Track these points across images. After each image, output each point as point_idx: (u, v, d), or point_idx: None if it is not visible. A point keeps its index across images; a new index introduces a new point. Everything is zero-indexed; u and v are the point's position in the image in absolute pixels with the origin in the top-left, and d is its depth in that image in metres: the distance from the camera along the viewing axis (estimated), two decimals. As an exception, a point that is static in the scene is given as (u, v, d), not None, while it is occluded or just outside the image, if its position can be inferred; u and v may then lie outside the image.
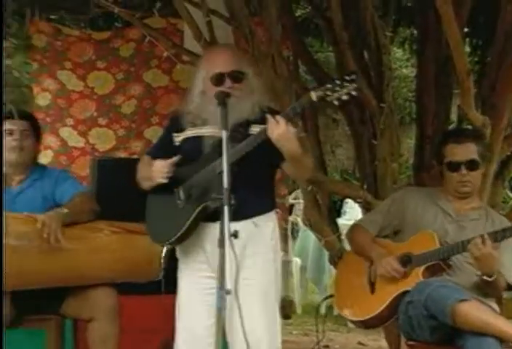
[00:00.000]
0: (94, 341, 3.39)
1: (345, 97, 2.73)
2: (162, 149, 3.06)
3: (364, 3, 3.88)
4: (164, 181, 2.90)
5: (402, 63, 7.80)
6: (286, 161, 2.88)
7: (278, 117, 2.77)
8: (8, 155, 3.53)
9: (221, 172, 2.70)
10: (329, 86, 2.73)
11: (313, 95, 2.74)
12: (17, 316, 3.40)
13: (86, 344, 3.44)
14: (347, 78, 2.73)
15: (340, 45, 3.91)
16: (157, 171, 2.92)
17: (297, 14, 4.87)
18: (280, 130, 2.75)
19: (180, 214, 2.92)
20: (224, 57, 2.95)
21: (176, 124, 3.03)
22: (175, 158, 2.92)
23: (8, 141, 3.53)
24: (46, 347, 3.51)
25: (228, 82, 2.91)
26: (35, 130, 3.64)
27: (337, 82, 2.72)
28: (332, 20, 3.92)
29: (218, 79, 2.91)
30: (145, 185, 3.01)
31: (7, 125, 3.54)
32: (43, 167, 3.70)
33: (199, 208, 2.86)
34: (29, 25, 4.83)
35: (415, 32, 4.94)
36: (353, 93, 2.74)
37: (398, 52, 7.19)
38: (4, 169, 3.54)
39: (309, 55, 4.46)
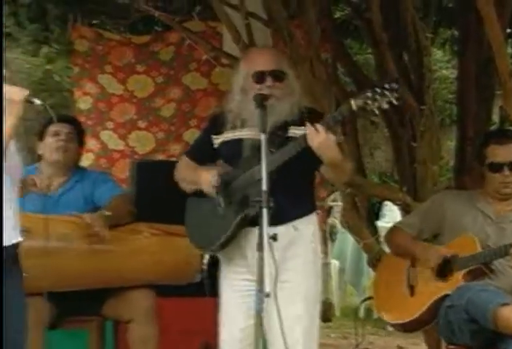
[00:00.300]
0: (134, 342, 3.42)
1: (385, 106, 2.70)
2: (201, 150, 3.08)
3: (405, 5, 3.85)
4: (214, 192, 2.91)
5: (443, 64, 7.73)
6: (325, 166, 2.87)
7: (317, 125, 2.74)
8: (52, 156, 3.58)
9: (260, 179, 2.69)
10: (369, 94, 2.69)
11: (353, 104, 2.72)
12: (58, 317, 3.46)
13: (126, 345, 3.47)
14: (388, 86, 2.69)
15: (380, 46, 3.89)
16: (206, 181, 2.91)
17: (336, 16, 4.86)
18: (320, 138, 2.73)
19: (220, 221, 2.92)
20: (266, 56, 2.97)
21: (216, 125, 3.03)
22: (222, 169, 2.92)
23: (53, 142, 3.58)
24: (87, 347, 3.56)
25: (269, 80, 2.91)
26: (79, 134, 3.69)
27: (378, 90, 2.69)
28: (371, 22, 3.90)
29: (259, 77, 2.92)
30: (187, 187, 3.03)
31: (53, 127, 3.58)
32: (83, 169, 3.75)
33: (239, 217, 2.87)
34: (71, 30, 4.89)
35: (456, 33, 4.90)
36: (395, 102, 2.70)
37: (438, 53, 7.13)
38: (47, 170, 3.59)
39: (348, 57, 4.45)
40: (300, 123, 2.87)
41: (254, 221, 2.74)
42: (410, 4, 3.85)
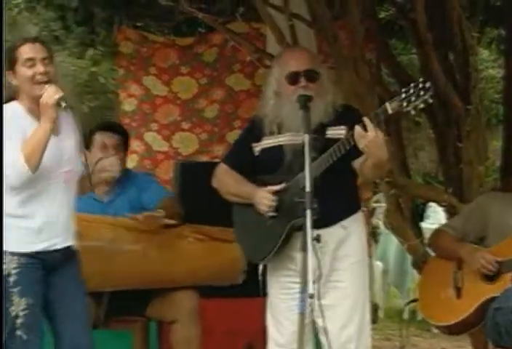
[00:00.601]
0: (178, 343, 3.44)
1: (421, 106, 2.68)
2: (240, 158, 3.04)
3: (451, 4, 3.81)
4: (273, 214, 2.90)
5: (489, 64, 7.63)
6: (370, 165, 2.84)
7: (366, 122, 2.70)
8: (103, 173, 3.52)
9: (304, 188, 2.68)
10: (404, 96, 2.68)
11: (389, 107, 2.70)
12: (104, 317, 3.48)
13: (170, 345, 3.49)
14: (421, 86, 2.68)
15: (425, 46, 3.86)
16: (263, 203, 2.89)
17: (380, 17, 4.82)
18: (370, 137, 2.70)
19: (269, 231, 2.93)
20: (299, 57, 2.96)
21: (254, 131, 3.01)
22: (278, 187, 2.88)
23: (101, 156, 3.52)
24: (132, 348, 3.59)
25: (302, 81, 2.90)
26: (125, 142, 3.66)
27: (412, 91, 2.67)
28: (416, 21, 3.87)
29: (293, 78, 2.90)
30: (231, 198, 3.02)
31: (100, 136, 3.56)
32: (127, 172, 3.72)
33: (287, 228, 2.87)
34: (116, 32, 4.94)
35: (503, 32, 4.83)
36: (430, 101, 2.68)
37: (484, 53, 7.04)
38: (93, 179, 3.60)
39: (392, 58, 4.42)
40: (336, 122, 2.86)
41: (302, 225, 2.72)
42: (456, 3, 3.81)
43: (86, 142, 3.56)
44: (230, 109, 5.12)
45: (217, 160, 4.95)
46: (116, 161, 3.51)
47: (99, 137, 3.57)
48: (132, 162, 4.97)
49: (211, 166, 4.43)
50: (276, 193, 2.90)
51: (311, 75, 2.91)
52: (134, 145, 5.05)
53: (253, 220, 2.97)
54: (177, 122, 5.11)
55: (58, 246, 2.92)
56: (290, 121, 2.89)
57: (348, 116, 2.83)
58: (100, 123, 3.72)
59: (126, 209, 3.51)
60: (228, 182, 3.03)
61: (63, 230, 2.93)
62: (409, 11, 4.19)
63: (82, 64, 7.70)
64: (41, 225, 2.89)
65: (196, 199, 3.89)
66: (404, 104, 2.68)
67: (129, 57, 5.01)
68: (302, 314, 2.68)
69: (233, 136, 5.04)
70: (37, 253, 2.89)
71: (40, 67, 2.87)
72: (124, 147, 3.65)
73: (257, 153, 3.00)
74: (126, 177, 3.65)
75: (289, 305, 2.94)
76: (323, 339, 2.91)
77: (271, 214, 2.90)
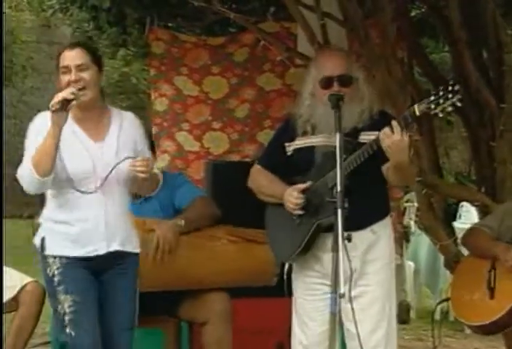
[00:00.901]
0: (209, 344, 3.45)
1: (450, 109, 2.67)
2: (274, 158, 3.06)
3: (485, 1, 3.78)
4: (300, 213, 2.92)
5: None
6: (390, 167, 2.83)
7: (394, 125, 2.71)
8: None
9: (333, 187, 2.69)
10: (432, 98, 2.67)
11: (417, 110, 2.70)
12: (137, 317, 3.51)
13: (201, 346, 3.51)
14: (450, 89, 2.66)
15: (458, 45, 3.83)
16: (290, 201, 2.91)
17: (411, 15, 4.79)
18: (394, 138, 2.71)
19: (297, 230, 2.94)
20: (334, 61, 2.95)
21: (287, 131, 3.02)
22: (305, 185, 2.90)
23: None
24: (163, 347, 3.60)
25: (335, 86, 2.90)
26: (152, 146, 3.63)
27: (441, 94, 2.66)
28: (449, 19, 3.84)
29: (326, 82, 2.91)
30: (265, 199, 3.04)
31: None
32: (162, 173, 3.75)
33: (313, 227, 2.88)
34: (148, 32, 4.96)
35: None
36: (458, 104, 2.67)
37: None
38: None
39: (424, 56, 4.39)
40: (371, 128, 2.85)
41: (330, 227, 2.74)
42: (490, 0, 3.77)
43: None
44: (260, 108, 5.11)
45: (247, 159, 4.99)
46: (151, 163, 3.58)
47: None
48: (163, 162, 4.99)
49: (242, 166, 4.45)
50: (304, 192, 2.91)
51: (345, 81, 2.90)
52: (166, 144, 5.07)
53: (283, 220, 2.98)
54: (208, 122, 5.11)
55: (98, 253, 2.93)
56: (323, 123, 2.89)
57: (384, 122, 2.81)
58: None
59: (157, 208, 3.53)
60: (260, 182, 3.04)
61: (106, 235, 2.92)
62: (441, 9, 4.16)
63: (114, 64, 7.75)
64: (79, 232, 2.92)
65: (227, 199, 3.89)
66: (432, 106, 2.67)
67: (161, 57, 5.01)
68: (333, 314, 2.68)
69: (263, 135, 5.04)
70: (78, 258, 2.93)
71: (72, 75, 2.90)
72: (151, 149, 3.67)
73: (289, 153, 3.01)
74: None
75: (314, 306, 2.94)
76: (350, 343, 2.90)
77: (297, 212, 2.91)
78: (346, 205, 2.61)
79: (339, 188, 2.63)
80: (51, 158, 2.83)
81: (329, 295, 2.67)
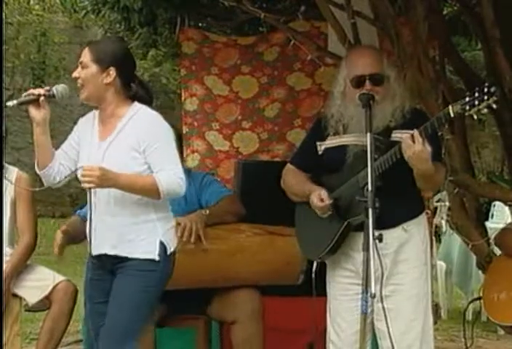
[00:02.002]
0: (239, 343, 3.45)
1: (484, 111, 2.65)
2: (306, 158, 3.07)
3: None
4: (326, 214, 2.92)
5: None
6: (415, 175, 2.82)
7: (416, 135, 2.70)
8: None
9: (364, 186, 2.69)
10: (467, 100, 2.65)
11: (451, 110, 2.68)
12: (166, 316, 3.51)
13: (231, 345, 3.51)
14: (486, 90, 2.64)
15: (491, 43, 3.79)
16: (318, 204, 2.91)
17: (444, 13, 4.75)
18: (414, 149, 2.70)
19: (326, 229, 2.94)
20: (366, 59, 2.93)
21: (319, 130, 3.02)
22: (329, 202, 2.89)
23: None
24: (195, 346, 3.61)
25: (367, 85, 2.88)
26: (180, 140, 3.66)
27: (477, 95, 2.64)
28: (482, 17, 3.80)
29: (358, 81, 2.89)
30: (295, 199, 3.05)
31: None
32: (187, 171, 3.78)
33: (343, 226, 2.88)
34: (179, 33, 4.98)
35: None
36: (494, 106, 2.64)
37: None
38: None
39: (456, 55, 4.35)
40: (404, 126, 2.83)
41: (361, 226, 2.74)
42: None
43: None
44: (290, 108, 5.10)
45: (277, 159, 5.00)
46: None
47: None
48: (193, 161, 5.01)
49: (271, 166, 4.46)
50: (335, 187, 2.91)
51: (376, 79, 2.89)
52: (196, 144, 5.09)
53: (312, 218, 2.98)
54: (237, 121, 5.11)
55: (94, 252, 2.96)
56: (354, 122, 2.89)
57: (417, 121, 2.80)
58: None
59: (181, 204, 3.52)
60: (291, 182, 3.05)
61: (100, 237, 2.92)
62: (474, 7, 4.12)
63: (145, 65, 7.81)
64: (88, 229, 2.97)
65: (257, 198, 3.90)
66: (467, 107, 2.65)
67: (191, 57, 5.02)
68: (364, 314, 2.67)
69: (293, 135, 5.04)
70: (92, 256, 2.99)
71: (74, 72, 3.00)
72: (180, 149, 3.69)
73: (320, 152, 3.01)
74: (185, 175, 3.67)
75: (346, 307, 2.93)
76: (382, 343, 2.88)
77: (324, 215, 2.91)
78: (377, 205, 2.61)
79: (370, 188, 2.63)
80: (39, 152, 2.95)
81: (361, 295, 2.67)
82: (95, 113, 3.04)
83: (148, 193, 2.88)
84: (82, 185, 2.85)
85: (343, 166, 2.93)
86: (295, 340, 3.87)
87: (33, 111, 2.92)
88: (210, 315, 3.58)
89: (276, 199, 3.42)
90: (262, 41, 5.07)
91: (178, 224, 3.33)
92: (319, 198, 2.90)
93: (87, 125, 3.04)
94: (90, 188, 2.86)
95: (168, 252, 2.94)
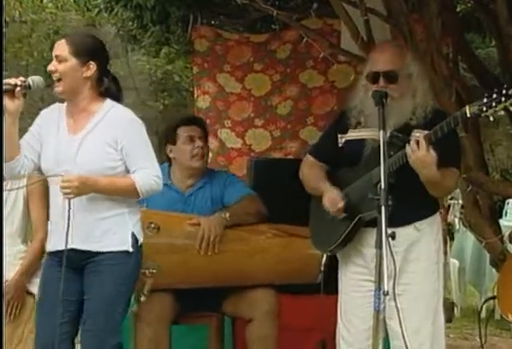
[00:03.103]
0: (253, 341, 3.45)
1: (501, 113, 2.64)
2: (325, 149, 3.07)
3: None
4: (338, 214, 2.91)
5: None
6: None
7: (421, 140, 2.69)
8: (191, 163, 3.58)
9: (377, 183, 2.68)
10: (485, 101, 2.63)
11: (468, 111, 2.66)
12: (180, 313, 3.52)
13: (244, 340, 3.51)
14: (504, 92, 2.62)
15: (505, 40, 3.77)
16: (332, 204, 2.91)
17: (457, 10, 4.72)
18: (418, 154, 2.69)
19: (338, 223, 2.94)
20: (383, 56, 2.94)
21: (341, 123, 3.02)
22: (342, 205, 2.89)
23: (190, 149, 3.57)
24: (207, 342, 3.62)
25: (381, 81, 2.89)
26: (206, 135, 3.72)
27: (494, 96, 2.62)
28: (496, 14, 3.77)
29: (373, 77, 2.90)
30: (311, 191, 3.05)
31: (185, 131, 3.59)
32: (211, 170, 3.77)
33: (354, 220, 2.88)
34: (191, 30, 4.98)
35: None
36: (511, 109, 2.63)
37: None
38: (179, 173, 3.60)
39: (470, 52, 4.33)
40: (425, 126, 2.82)
41: (372, 222, 2.73)
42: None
43: (171, 137, 3.62)
44: (303, 105, 5.10)
45: (289, 157, 5.00)
46: (206, 151, 3.63)
47: (184, 132, 3.60)
48: (206, 159, 5.01)
49: (284, 163, 4.45)
50: (350, 182, 2.91)
51: (390, 77, 2.89)
52: (209, 142, 5.08)
53: (325, 211, 2.98)
54: (250, 119, 5.12)
55: (58, 248, 2.92)
56: (373, 117, 2.88)
57: (437, 121, 2.78)
58: (182, 117, 3.76)
59: (207, 203, 3.56)
60: (308, 176, 3.06)
61: (68, 232, 2.86)
62: (488, 4, 4.09)
63: (157, 62, 7.83)
64: (51, 224, 2.97)
65: (270, 196, 3.89)
66: (484, 109, 2.63)
67: (204, 54, 5.03)
68: (377, 311, 2.66)
69: (306, 132, 5.04)
70: (51, 252, 2.97)
71: (50, 65, 2.95)
72: (206, 139, 3.70)
73: (341, 145, 3.01)
74: (210, 174, 3.68)
75: (358, 303, 2.93)
76: (393, 341, 2.88)
77: (339, 215, 2.91)
78: (390, 202, 2.60)
79: (382, 185, 2.62)
80: (8, 143, 2.88)
81: (374, 293, 2.66)
82: (60, 106, 3.00)
83: (126, 193, 2.91)
84: (62, 196, 2.84)
85: (361, 160, 2.93)
86: (307, 338, 3.87)
87: (7, 101, 2.87)
88: (225, 313, 3.58)
89: (289, 197, 3.43)
90: (275, 38, 5.07)
91: (198, 224, 3.36)
92: (331, 202, 2.90)
93: (52, 117, 3.00)
94: (70, 199, 2.84)
95: (139, 243, 2.97)
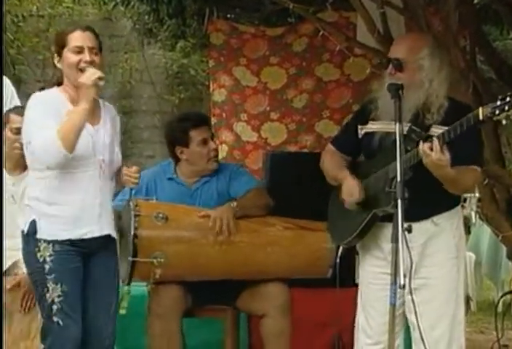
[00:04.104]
0: (268, 336, 3.46)
1: None
2: (346, 140, 3.08)
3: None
4: (355, 206, 2.92)
5: None
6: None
7: (435, 143, 2.68)
8: (207, 166, 3.60)
9: (394, 178, 2.68)
10: (498, 103, 2.60)
11: (481, 113, 2.64)
12: (194, 306, 3.53)
13: (260, 337, 3.52)
14: None
15: (523, 32, 3.74)
16: (349, 193, 2.92)
17: (474, 1, 4.69)
18: (432, 157, 2.68)
19: (355, 215, 2.94)
20: (397, 44, 2.97)
21: (363, 114, 3.02)
22: (360, 197, 2.90)
23: (206, 152, 3.58)
24: (222, 336, 3.62)
25: (390, 68, 2.90)
26: (212, 133, 3.73)
27: (508, 100, 2.59)
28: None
29: (385, 64, 2.94)
30: (331, 181, 3.05)
31: (197, 133, 3.58)
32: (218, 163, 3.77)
33: (369, 216, 2.88)
34: (207, 24, 4.98)
35: None
36: None
37: None
38: (187, 170, 3.60)
39: (487, 44, 4.31)
40: (443, 122, 2.81)
41: (389, 216, 2.73)
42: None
43: (184, 140, 3.60)
44: (319, 99, 5.09)
45: (305, 150, 5.00)
46: (216, 155, 3.66)
47: (197, 134, 3.59)
48: (222, 152, 5.01)
49: (300, 156, 4.46)
50: (368, 174, 2.91)
51: (396, 64, 2.89)
52: (224, 135, 5.10)
53: (344, 203, 2.98)
54: (266, 112, 5.12)
55: (94, 234, 2.94)
56: (386, 109, 2.88)
57: (457, 116, 2.76)
58: (189, 118, 3.74)
59: (214, 196, 3.56)
60: (328, 165, 3.06)
61: (100, 219, 2.94)
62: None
63: (173, 56, 7.85)
64: (77, 212, 2.92)
65: (285, 189, 3.91)
66: (497, 112, 2.60)
67: (220, 48, 5.04)
68: (393, 305, 2.66)
69: (321, 126, 5.03)
70: (72, 241, 2.92)
71: (86, 56, 2.92)
72: (213, 136, 3.73)
73: (360, 136, 3.01)
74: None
75: (377, 296, 2.93)
76: (414, 335, 2.88)
77: (351, 207, 2.91)
78: (406, 195, 2.59)
79: (398, 179, 2.62)
80: (79, 133, 2.87)
81: (390, 286, 2.67)
82: (55, 92, 2.96)
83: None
84: (128, 185, 3.00)
85: (378, 153, 2.93)
86: (322, 332, 3.87)
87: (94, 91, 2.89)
88: (239, 308, 3.58)
89: (304, 190, 3.43)
90: (291, 31, 5.07)
91: (208, 216, 3.36)
92: (350, 191, 2.90)
93: (60, 106, 2.94)
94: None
95: None
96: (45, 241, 2.90)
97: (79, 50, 2.93)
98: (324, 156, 3.09)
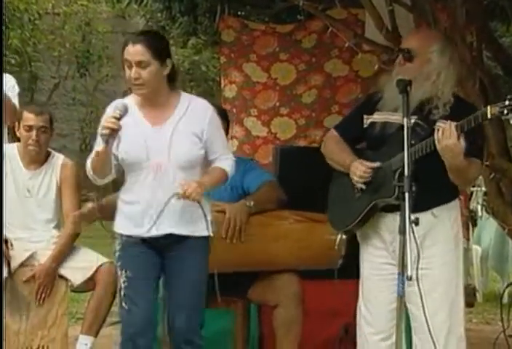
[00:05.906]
0: (279, 326, 3.49)
1: None
2: (350, 127, 3.08)
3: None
4: (363, 187, 2.93)
5: None
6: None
7: (452, 129, 2.70)
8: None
9: (396, 170, 2.72)
10: (507, 103, 2.62)
11: (489, 112, 2.66)
12: (206, 298, 3.59)
13: (270, 326, 3.56)
14: None
15: (529, 28, 3.76)
16: (357, 174, 2.93)
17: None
18: (448, 142, 2.70)
19: (355, 204, 2.96)
20: (408, 36, 3.03)
21: (370, 103, 3.03)
22: (374, 165, 2.91)
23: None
24: (233, 327, 3.66)
25: (399, 58, 2.94)
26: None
27: None
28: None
29: (395, 55, 2.98)
30: (333, 165, 3.07)
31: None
32: None
33: (369, 206, 2.90)
34: (219, 21, 5.04)
35: None
36: None
37: None
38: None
39: (494, 40, 4.33)
40: (449, 118, 2.82)
41: (389, 207, 2.78)
42: None
43: None
44: (328, 94, 5.14)
45: (314, 145, 5.03)
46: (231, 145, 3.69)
47: None
48: (232, 147, 5.03)
49: (309, 151, 4.48)
50: (371, 168, 2.93)
51: (404, 55, 2.92)
52: (234, 130, 5.14)
53: (344, 190, 3.01)
54: (275, 107, 5.16)
55: (150, 234, 3.00)
56: (390, 101, 2.91)
57: (462, 112, 2.80)
58: None
59: (227, 190, 3.56)
60: (332, 148, 3.07)
61: (158, 219, 2.98)
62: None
63: (185, 53, 7.89)
64: (134, 212, 3.02)
65: (294, 184, 3.94)
66: (505, 111, 2.62)
67: (231, 44, 5.08)
68: (401, 297, 2.71)
69: (330, 121, 5.06)
70: (134, 236, 3.03)
71: (132, 72, 2.96)
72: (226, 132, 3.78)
73: (365, 125, 3.02)
74: None
75: (379, 286, 2.96)
76: (414, 325, 2.92)
77: (360, 185, 2.92)
78: (414, 188, 2.63)
79: (406, 173, 2.65)
80: (106, 168, 2.98)
81: (394, 276, 2.72)
82: (126, 101, 3.02)
83: (222, 181, 3.12)
84: (191, 199, 2.97)
85: (384, 143, 2.94)
86: (330, 323, 3.90)
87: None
88: (250, 299, 3.61)
89: (314, 185, 3.46)
90: (300, 28, 5.11)
91: (223, 212, 3.40)
92: (361, 167, 2.90)
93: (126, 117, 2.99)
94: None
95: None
96: (118, 233, 3.09)
97: (129, 65, 2.99)
98: (327, 141, 3.10)
